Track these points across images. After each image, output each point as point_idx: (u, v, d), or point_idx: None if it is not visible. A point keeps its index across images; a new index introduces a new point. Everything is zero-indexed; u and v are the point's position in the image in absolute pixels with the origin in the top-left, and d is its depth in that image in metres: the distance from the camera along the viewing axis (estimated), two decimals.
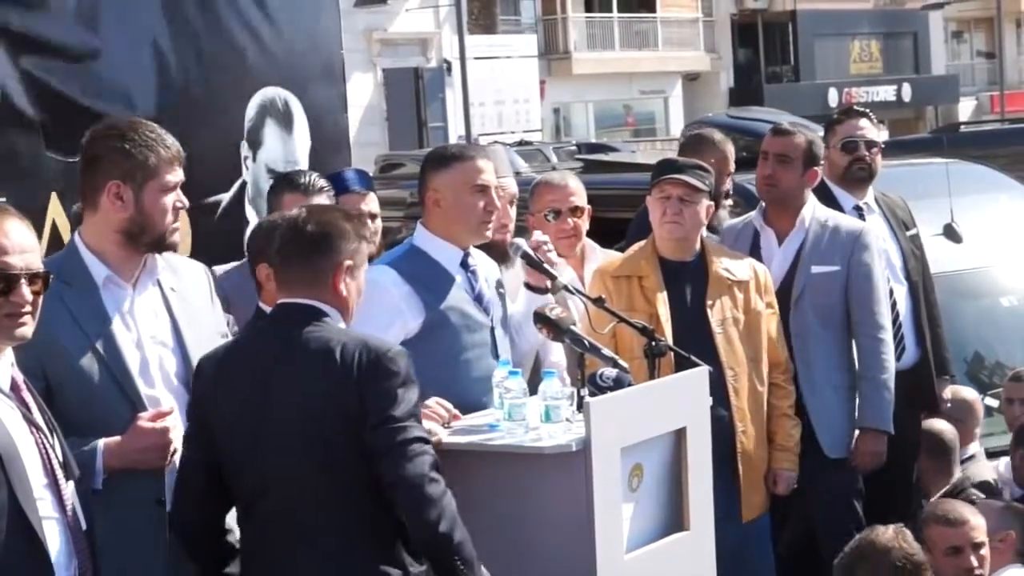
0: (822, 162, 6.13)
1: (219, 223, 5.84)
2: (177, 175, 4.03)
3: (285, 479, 3.83)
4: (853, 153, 6.34)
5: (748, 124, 8.55)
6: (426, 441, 3.81)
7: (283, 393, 3.83)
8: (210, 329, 4.15)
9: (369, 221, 5.68)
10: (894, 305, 6.16)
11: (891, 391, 5.86)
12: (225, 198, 5.92)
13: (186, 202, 4.07)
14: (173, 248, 4.08)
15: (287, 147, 6.26)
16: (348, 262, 3.96)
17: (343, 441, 3.79)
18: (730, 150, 6.56)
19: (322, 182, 5.43)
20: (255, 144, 6.13)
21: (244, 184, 6.06)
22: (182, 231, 4.17)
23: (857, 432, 5.87)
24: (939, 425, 6.38)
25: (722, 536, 4.74)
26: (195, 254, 4.99)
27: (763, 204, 6.07)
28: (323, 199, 5.30)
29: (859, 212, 6.31)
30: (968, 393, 6.59)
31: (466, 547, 3.79)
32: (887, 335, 5.90)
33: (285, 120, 6.24)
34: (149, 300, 4.07)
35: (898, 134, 23.69)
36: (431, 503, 3.74)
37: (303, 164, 6.25)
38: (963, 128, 13.80)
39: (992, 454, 6.77)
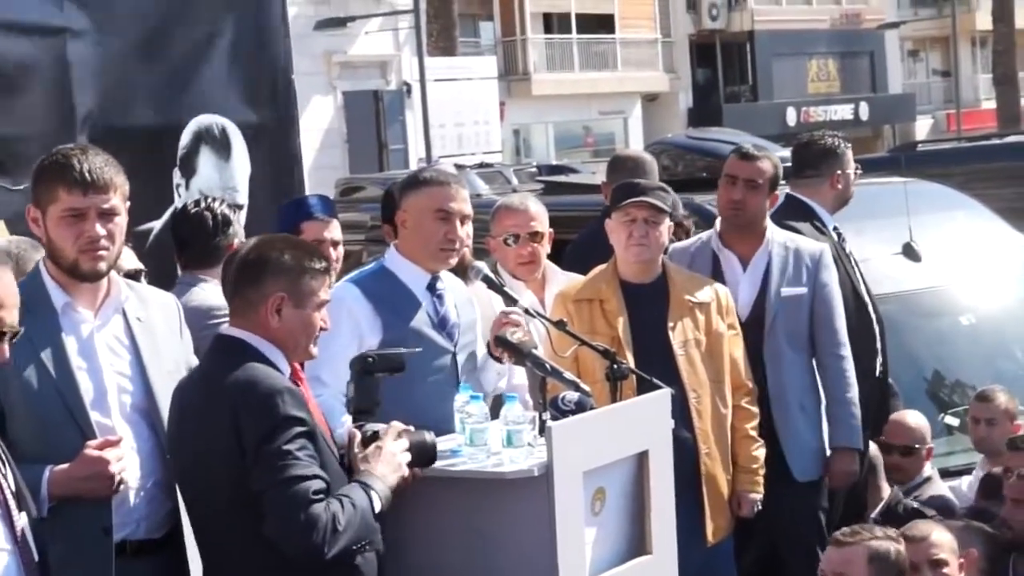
0: (838, 184, 6.29)
1: (150, 251, 5.80)
2: (87, 201, 3.93)
3: (192, 517, 3.94)
4: (855, 183, 6.44)
5: (708, 145, 8.58)
6: (306, 478, 3.75)
7: (187, 430, 3.90)
8: (175, 361, 4.12)
9: (331, 249, 5.68)
10: None
11: (858, 407, 5.89)
12: (156, 225, 5.89)
13: (104, 231, 3.96)
14: (94, 277, 3.99)
15: (224, 174, 6.24)
16: (280, 294, 3.94)
17: (226, 482, 3.82)
18: (654, 171, 6.65)
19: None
20: (189, 172, 6.10)
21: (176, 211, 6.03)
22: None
23: (829, 452, 5.88)
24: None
25: (686, 560, 4.73)
26: None
27: (718, 226, 6.07)
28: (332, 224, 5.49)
29: (838, 233, 6.35)
30: (915, 418, 6.55)
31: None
32: (848, 352, 5.93)
33: (222, 147, 6.22)
34: (112, 329, 4.05)
35: (856, 153, 23.77)
36: (307, 531, 3.71)
37: (242, 190, 6.25)
38: (920, 147, 13.84)
39: (954, 473, 6.76)
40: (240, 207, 6.25)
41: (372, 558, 3.99)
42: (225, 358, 3.94)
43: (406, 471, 4.05)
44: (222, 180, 6.25)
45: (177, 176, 6.07)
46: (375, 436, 4.06)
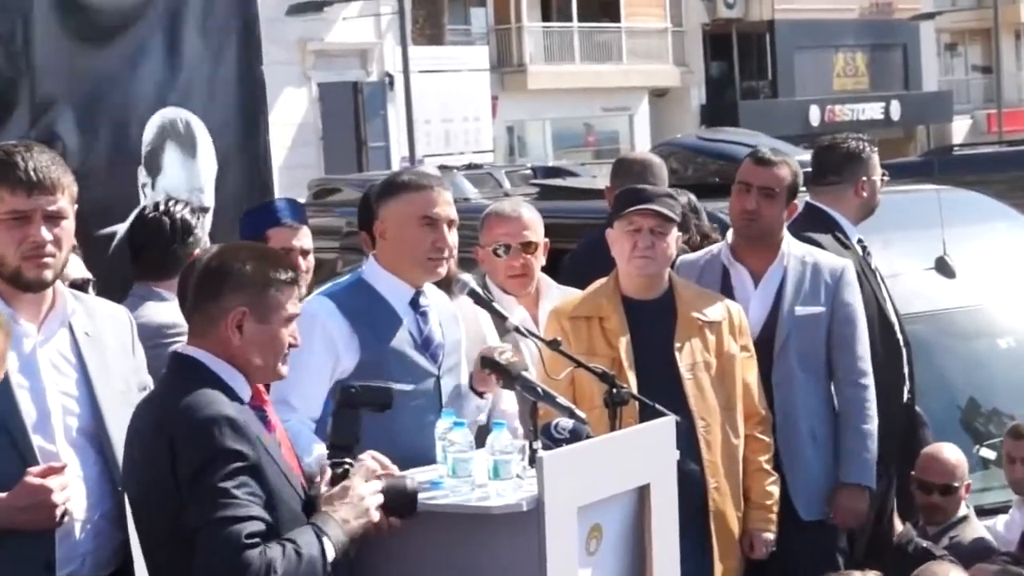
0: (863, 192, 6.32)
1: (114, 256, 5.80)
2: (32, 202, 3.94)
3: (142, 551, 3.94)
4: (881, 190, 6.46)
5: (721, 147, 8.61)
6: (239, 519, 3.75)
7: (134, 457, 3.92)
8: (126, 379, 4.13)
9: (300, 259, 5.69)
10: None
11: (875, 442, 5.89)
12: (121, 229, 5.89)
13: (51, 236, 3.96)
14: (39, 286, 4.01)
15: (191, 172, 6.24)
16: (241, 309, 3.95)
17: (165, 515, 3.83)
18: (664, 175, 6.67)
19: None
20: (154, 170, 6.11)
21: None
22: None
23: (838, 487, 5.89)
24: None
25: None
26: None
27: (730, 238, 6.09)
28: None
29: (863, 246, 6.37)
30: (951, 452, 6.57)
31: None
32: (870, 382, 5.93)
33: (187, 143, 6.23)
34: (57, 344, 4.05)
35: (886, 156, 23.82)
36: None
37: (208, 191, 6.25)
38: (956, 151, 13.88)
39: (990, 511, 6.78)
40: (206, 210, 6.27)
41: None
42: (176, 379, 3.95)
43: (375, 517, 4.01)
44: (188, 180, 6.25)
45: (142, 175, 6.08)
46: (346, 474, 4.05)
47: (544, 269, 6.04)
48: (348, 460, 4.10)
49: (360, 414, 4.20)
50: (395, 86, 33.88)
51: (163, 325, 4.97)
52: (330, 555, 3.85)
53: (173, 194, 5.97)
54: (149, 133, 6.10)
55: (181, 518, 3.77)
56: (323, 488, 4.03)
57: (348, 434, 4.17)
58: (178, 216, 5.43)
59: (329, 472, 4.08)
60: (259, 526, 3.77)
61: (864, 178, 6.43)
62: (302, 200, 10.20)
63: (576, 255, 6.72)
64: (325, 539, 3.86)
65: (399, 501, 4.09)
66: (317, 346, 4.67)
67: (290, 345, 4.04)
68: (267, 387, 4.25)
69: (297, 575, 3.77)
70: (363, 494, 3.99)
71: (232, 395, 3.93)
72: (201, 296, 3.99)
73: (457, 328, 4.98)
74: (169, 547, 3.84)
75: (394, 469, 4.41)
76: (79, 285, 4.81)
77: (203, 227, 5.62)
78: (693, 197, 6.86)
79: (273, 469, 3.90)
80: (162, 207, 5.48)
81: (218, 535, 3.72)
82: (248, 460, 3.81)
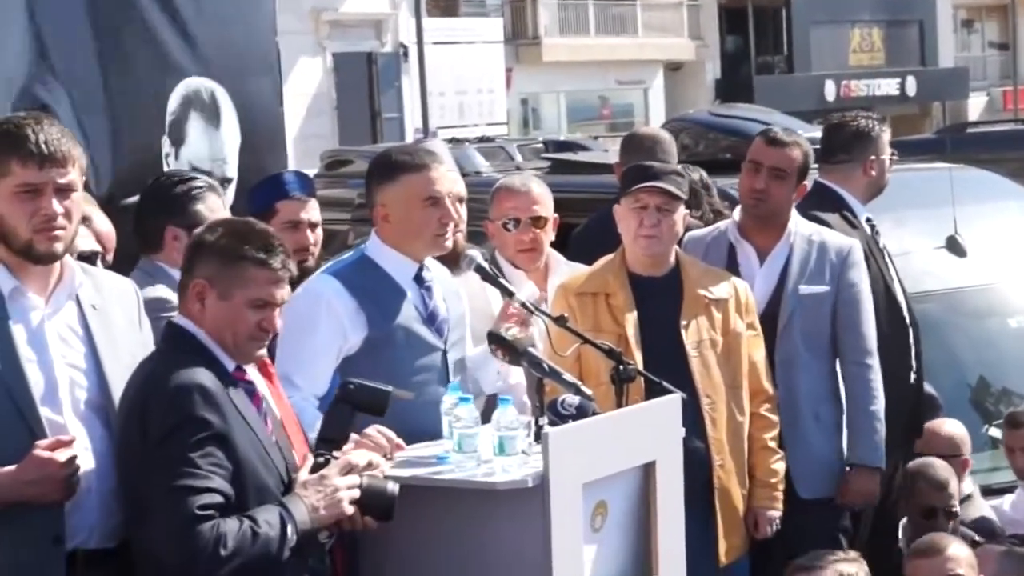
0: (872, 171, 6.31)
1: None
2: (43, 175, 3.94)
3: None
4: (891, 169, 6.44)
5: (733, 123, 8.60)
6: (196, 490, 3.77)
7: (120, 425, 3.97)
8: (133, 353, 4.14)
9: (309, 232, 5.70)
10: None
11: (883, 423, 5.88)
12: None
13: (62, 209, 3.96)
14: (49, 259, 4.00)
15: (214, 143, 6.24)
16: (202, 280, 3.99)
17: (135, 481, 3.87)
18: (673, 151, 6.67)
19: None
20: (178, 140, 6.11)
21: None
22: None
23: (848, 468, 5.89)
24: None
25: None
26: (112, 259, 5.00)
27: (737, 216, 6.09)
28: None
29: (872, 225, 6.36)
30: (952, 427, 6.58)
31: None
32: (876, 362, 5.92)
33: (211, 114, 6.22)
34: (64, 317, 4.05)
35: (901, 133, 23.72)
36: (182, 548, 3.75)
37: (232, 161, 6.24)
38: (970, 129, 13.86)
39: (997, 491, 6.78)
40: (229, 181, 6.27)
41: None
42: (163, 347, 4.04)
43: (347, 510, 4.02)
44: (212, 150, 6.24)
45: (166, 145, 6.08)
46: (327, 463, 4.07)
47: (554, 244, 6.04)
48: (334, 454, 4.10)
49: (354, 412, 4.22)
50: (409, 57, 33.85)
51: (161, 299, 4.95)
52: (292, 538, 3.87)
53: (196, 164, 5.99)
54: (173, 103, 6.10)
55: (145, 483, 3.81)
56: (303, 474, 4.04)
57: (338, 429, 4.20)
58: (183, 188, 5.35)
59: (311, 461, 4.08)
60: (216, 498, 3.80)
61: (873, 157, 6.41)
62: (314, 171, 10.23)
63: (585, 230, 6.72)
64: (289, 521, 3.88)
65: (376, 502, 4.08)
66: (323, 325, 4.69)
67: (262, 330, 4.02)
68: (273, 360, 4.28)
69: (250, 552, 3.79)
70: (338, 486, 4.01)
71: (218, 366, 3.97)
72: (182, 267, 4.08)
73: (460, 302, 5.00)
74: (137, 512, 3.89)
75: (401, 443, 4.44)
76: (87, 257, 4.80)
77: (221, 198, 5.52)
78: (704, 174, 6.86)
79: (247, 442, 3.91)
80: (171, 178, 5.44)
81: (172, 504, 3.76)
82: (215, 429, 3.84)
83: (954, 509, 6.03)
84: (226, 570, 3.77)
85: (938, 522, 6.00)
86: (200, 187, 5.24)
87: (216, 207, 5.19)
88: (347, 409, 4.22)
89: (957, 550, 5.22)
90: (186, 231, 4.98)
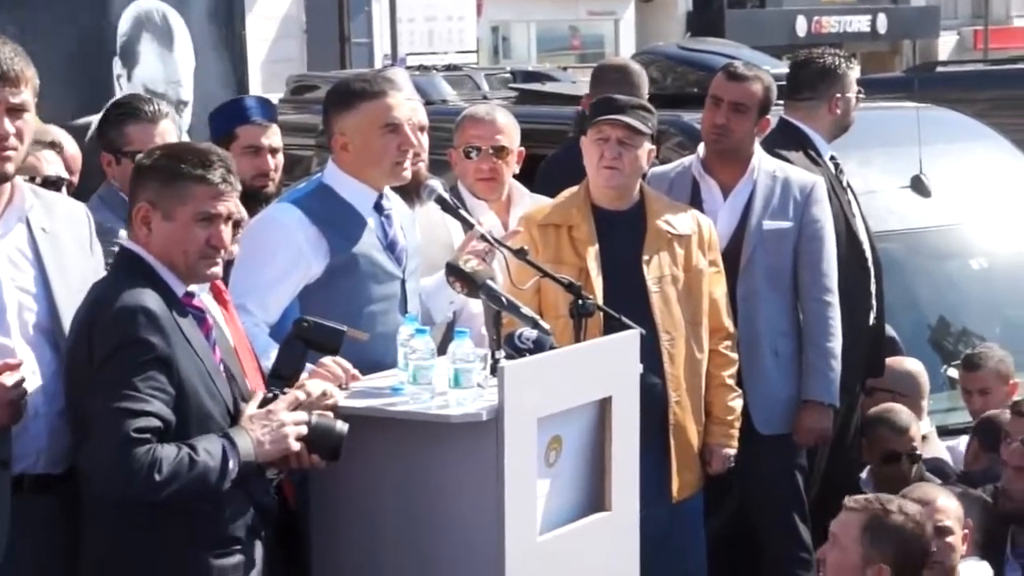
0: (837, 109, 6.28)
1: (89, 147, 5.73)
2: None
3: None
4: (857, 107, 6.42)
5: (700, 57, 8.53)
6: (134, 413, 3.74)
7: (69, 348, 3.93)
8: (83, 277, 4.08)
9: (269, 157, 5.64)
10: None
11: (839, 360, 5.89)
12: (95, 120, 5.82)
13: (13, 129, 3.89)
14: (1, 179, 3.94)
15: (167, 66, 6.17)
16: (143, 205, 3.96)
17: (80, 403, 3.85)
18: (643, 83, 6.62)
19: (164, 107, 5.31)
20: (129, 61, 6.03)
21: None
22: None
23: (801, 404, 5.89)
24: None
25: (648, 517, 4.76)
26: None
27: (701, 151, 6.05)
28: (168, 125, 5.18)
29: (836, 163, 6.33)
30: (911, 364, 6.58)
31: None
32: (835, 299, 5.92)
33: (164, 36, 6.15)
34: (13, 240, 4.00)
35: (871, 71, 23.75)
36: (115, 471, 3.73)
37: (187, 85, 6.18)
38: (939, 68, 13.81)
39: (954, 431, 6.80)
40: (185, 104, 6.19)
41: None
42: (114, 271, 4.00)
43: (293, 447, 3.99)
44: (166, 72, 6.18)
45: (118, 66, 6.01)
46: (275, 398, 4.04)
47: (521, 176, 6.00)
48: (284, 390, 4.07)
49: (307, 350, 4.19)
50: None
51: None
52: (233, 469, 3.84)
53: (150, 86, 5.92)
54: (124, 24, 6.03)
55: (87, 404, 3.79)
56: (250, 408, 4.01)
57: (291, 366, 4.17)
58: (135, 107, 5.26)
59: (260, 396, 4.05)
60: (153, 422, 3.77)
61: (839, 95, 6.38)
62: (280, 96, 10.12)
63: (551, 162, 6.69)
64: (231, 452, 3.85)
65: (324, 440, 4.05)
66: (280, 254, 4.65)
67: (211, 246, 3.97)
68: (226, 284, 4.23)
69: (186, 479, 3.77)
70: (285, 421, 3.97)
71: (167, 291, 3.93)
72: (128, 194, 4.05)
73: (415, 231, 4.96)
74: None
75: (356, 374, 4.41)
76: (53, 182, 4.75)
77: (175, 121, 5.48)
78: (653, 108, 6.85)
79: (192, 368, 3.88)
80: (124, 101, 5.35)
81: (108, 425, 3.73)
82: (158, 352, 3.81)
83: (917, 451, 6.03)
84: (161, 496, 3.75)
85: (901, 466, 5.99)
86: (123, 112, 5.17)
87: (167, 130, 5.12)
88: (300, 346, 4.20)
89: (946, 501, 5.18)
90: (115, 156, 5.02)
